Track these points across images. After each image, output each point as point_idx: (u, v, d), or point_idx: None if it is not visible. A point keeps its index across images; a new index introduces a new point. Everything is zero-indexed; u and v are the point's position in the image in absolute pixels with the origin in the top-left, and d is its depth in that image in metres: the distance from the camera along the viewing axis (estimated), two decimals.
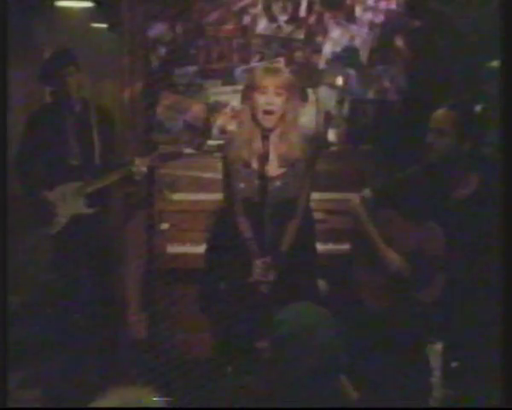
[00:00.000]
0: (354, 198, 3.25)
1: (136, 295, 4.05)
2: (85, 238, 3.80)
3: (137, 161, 3.65)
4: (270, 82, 3.05)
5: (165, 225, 3.78)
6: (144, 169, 3.63)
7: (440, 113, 3.00)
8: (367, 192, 3.21)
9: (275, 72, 3.15)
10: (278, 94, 3.06)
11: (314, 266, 3.34)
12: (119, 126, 4.01)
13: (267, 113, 3.05)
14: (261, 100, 3.05)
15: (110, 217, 3.98)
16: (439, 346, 2.60)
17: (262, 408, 2.04)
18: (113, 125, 3.95)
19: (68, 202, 3.74)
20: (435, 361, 2.63)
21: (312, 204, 3.37)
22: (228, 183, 3.25)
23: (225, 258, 3.25)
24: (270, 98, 3.05)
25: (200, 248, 3.65)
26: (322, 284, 3.41)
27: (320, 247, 3.54)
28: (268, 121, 3.07)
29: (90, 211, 3.76)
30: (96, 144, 3.76)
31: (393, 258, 3.07)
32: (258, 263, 3.14)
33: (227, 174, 3.24)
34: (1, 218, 2.42)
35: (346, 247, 3.51)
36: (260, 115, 3.07)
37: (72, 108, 3.78)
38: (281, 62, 4.12)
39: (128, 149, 4.04)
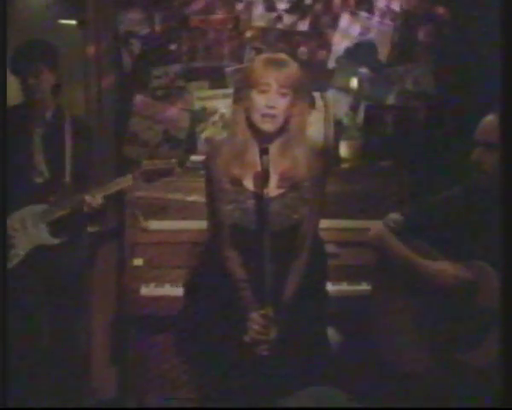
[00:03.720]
0: (376, 226, 2.91)
1: (104, 347, 3.91)
2: (48, 275, 3.48)
3: (94, 189, 3.29)
4: (272, 77, 2.68)
5: (138, 261, 3.52)
6: (100, 199, 3.28)
7: (489, 121, 2.67)
8: (394, 219, 2.87)
9: (279, 65, 2.74)
10: (282, 94, 2.69)
11: (326, 318, 2.98)
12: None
13: (267, 116, 2.70)
14: (260, 100, 2.68)
15: (79, 249, 3.66)
16: None
17: (261, 408, 2.03)
18: (91, 139, 3.69)
19: (29, 230, 3.41)
20: None
21: (321, 234, 3.02)
22: (212, 206, 2.87)
23: (212, 309, 2.86)
24: (272, 99, 2.68)
25: (182, 291, 3.36)
26: (333, 334, 3.06)
27: (331, 288, 3.24)
28: (268, 125, 2.70)
29: (54, 241, 3.42)
30: (67, 159, 3.45)
31: (445, 268, 2.68)
32: (254, 316, 2.72)
33: (211, 194, 2.87)
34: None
35: (364, 287, 3.36)
36: (258, 118, 2.70)
37: (43, 114, 3.48)
38: None
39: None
